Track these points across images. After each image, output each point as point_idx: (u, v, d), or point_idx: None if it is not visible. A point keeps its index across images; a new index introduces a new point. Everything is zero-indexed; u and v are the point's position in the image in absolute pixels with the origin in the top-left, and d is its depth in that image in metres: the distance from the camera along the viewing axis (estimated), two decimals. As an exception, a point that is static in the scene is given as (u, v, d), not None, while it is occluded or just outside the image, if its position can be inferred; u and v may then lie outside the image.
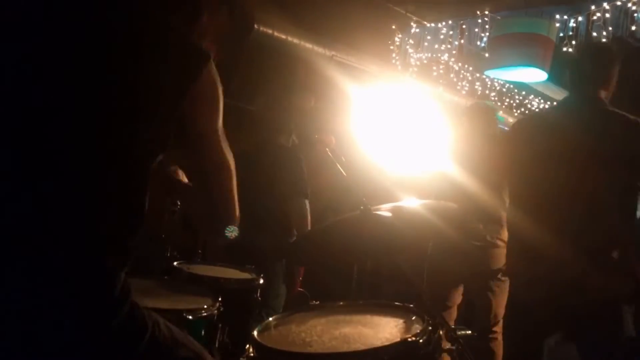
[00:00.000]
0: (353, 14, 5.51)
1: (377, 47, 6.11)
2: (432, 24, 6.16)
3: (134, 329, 1.16)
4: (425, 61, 6.46)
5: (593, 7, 5.02)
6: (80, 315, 1.09)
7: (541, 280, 2.18)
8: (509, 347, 2.72)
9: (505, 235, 3.53)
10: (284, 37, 5.23)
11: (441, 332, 1.44)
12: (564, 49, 5.22)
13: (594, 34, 4.98)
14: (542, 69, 5.17)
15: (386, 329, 1.45)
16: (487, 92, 7.87)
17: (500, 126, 4.33)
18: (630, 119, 2.24)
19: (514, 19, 5.39)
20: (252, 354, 1.41)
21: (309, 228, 3.12)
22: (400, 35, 6.31)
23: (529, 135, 2.43)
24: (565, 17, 5.19)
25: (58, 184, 1.10)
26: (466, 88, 7.46)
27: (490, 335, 3.55)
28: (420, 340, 1.33)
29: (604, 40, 4.90)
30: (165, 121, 1.18)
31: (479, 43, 5.75)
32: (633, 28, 4.82)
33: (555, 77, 6.16)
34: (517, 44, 5.12)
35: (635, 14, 4.82)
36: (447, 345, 1.56)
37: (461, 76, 7.34)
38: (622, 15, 4.84)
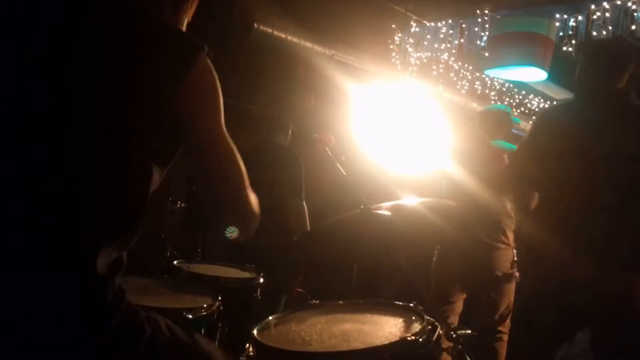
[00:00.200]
0: (353, 13, 5.51)
1: (376, 46, 6.11)
2: (432, 23, 6.16)
3: (132, 333, 1.15)
4: (425, 60, 6.46)
5: (593, 7, 5.02)
6: (78, 317, 1.09)
7: (563, 277, 2.14)
8: (516, 342, 2.69)
9: (507, 237, 3.54)
10: (283, 36, 5.23)
11: (441, 331, 1.44)
12: (564, 48, 5.22)
13: (594, 33, 4.98)
14: (542, 68, 5.17)
15: (386, 328, 1.45)
16: (486, 91, 7.87)
17: (515, 131, 4.34)
18: None
19: (514, 18, 5.39)
20: (252, 353, 1.41)
21: (308, 228, 3.12)
22: (400, 35, 6.31)
23: (553, 128, 2.37)
24: (565, 16, 5.19)
25: (57, 184, 1.10)
26: (466, 87, 7.46)
27: (496, 335, 3.57)
28: (420, 339, 1.33)
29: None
30: (165, 119, 1.18)
31: (478, 42, 5.75)
32: (633, 27, 4.81)
33: (555, 77, 6.16)
34: (517, 43, 5.13)
35: (635, 13, 4.82)
36: (446, 344, 1.56)
37: (461, 75, 7.34)
38: (622, 14, 4.84)
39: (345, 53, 5.86)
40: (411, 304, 1.57)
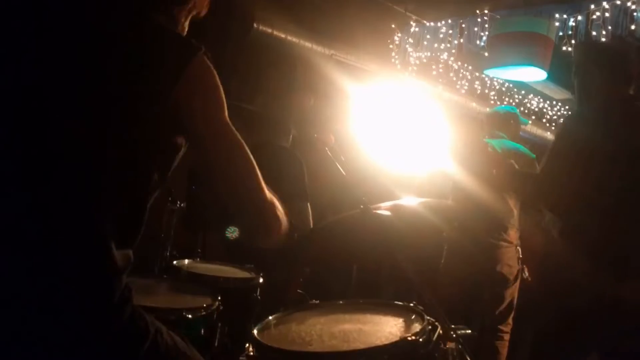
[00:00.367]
0: (352, 13, 5.51)
1: (376, 46, 6.11)
2: (432, 23, 6.15)
3: (135, 334, 1.15)
4: (424, 60, 6.46)
5: (592, 6, 5.02)
6: (82, 318, 1.09)
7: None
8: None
9: (510, 235, 3.55)
10: (283, 36, 5.23)
11: (441, 331, 1.44)
12: (564, 48, 5.22)
13: (594, 33, 4.98)
14: (542, 68, 5.18)
15: (386, 328, 1.45)
16: (486, 91, 7.88)
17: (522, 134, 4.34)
18: None
19: (514, 18, 5.39)
20: (251, 353, 1.41)
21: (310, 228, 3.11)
22: (399, 34, 6.31)
23: (578, 134, 2.27)
24: (565, 16, 5.19)
25: (59, 186, 1.10)
26: (465, 87, 7.46)
27: (498, 334, 3.58)
28: (420, 340, 1.33)
29: (603, 39, 4.90)
30: (166, 118, 1.18)
31: (478, 42, 5.74)
32: (632, 27, 4.81)
33: (554, 76, 6.16)
34: (516, 43, 5.13)
35: (635, 13, 4.82)
36: (446, 344, 1.56)
37: (460, 75, 7.34)
38: (622, 14, 4.84)
39: (344, 53, 5.86)
40: (411, 304, 1.57)
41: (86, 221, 1.11)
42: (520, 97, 8.50)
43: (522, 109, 8.60)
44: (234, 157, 1.25)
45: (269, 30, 5.10)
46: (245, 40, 4.97)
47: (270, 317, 1.60)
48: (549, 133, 8.71)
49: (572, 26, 5.15)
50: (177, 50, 1.20)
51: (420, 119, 2.99)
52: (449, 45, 6.05)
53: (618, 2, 4.86)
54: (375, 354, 1.31)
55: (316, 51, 5.59)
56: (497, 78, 7.47)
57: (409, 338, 1.32)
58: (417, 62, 6.43)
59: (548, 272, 2.27)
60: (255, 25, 4.92)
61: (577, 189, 2.16)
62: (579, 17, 5.12)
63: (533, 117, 8.80)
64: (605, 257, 2.09)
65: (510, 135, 3.84)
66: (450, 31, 6.01)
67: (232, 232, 2.65)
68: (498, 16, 5.57)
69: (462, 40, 5.92)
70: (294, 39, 5.35)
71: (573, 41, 5.14)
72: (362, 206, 1.78)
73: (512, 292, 3.60)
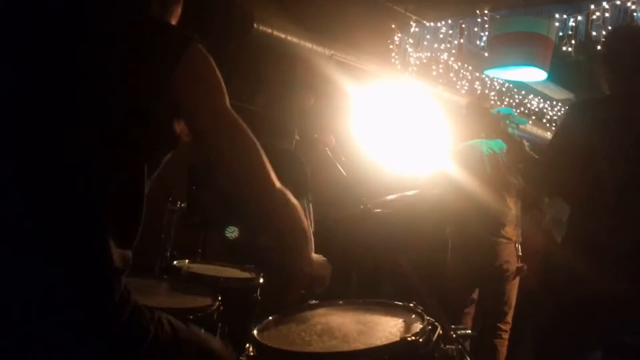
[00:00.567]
0: (352, 13, 5.51)
1: (376, 46, 6.11)
2: (432, 23, 6.15)
3: (136, 334, 1.15)
4: (424, 60, 6.46)
5: (592, 7, 5.02)
6: (82, 319, 1.09)
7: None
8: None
9: (508, 232, 3.58)
10: (283, 36, 5.23)
11: (441, 332, 1.44)
12: (564, 48, 5.22)
13: (594, 33, 4.98)
14: (542, 68, 5.18)
15: (386, 328, 1.45)
16: (486, 91, 7.88)
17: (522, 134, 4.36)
18: None
19: (514, 18, 5.39)
20: (252, 353, 1.41)
21: (312, 229, 3.12)
22: (399, 35, 6.31)
23: (589, 126, 2.22)
24: (565, 16, 5.19)
25: (59, 186, 1.10)
26: (466, 87, 7.46)
27: (497, 332, 3.61)
28: (420, 340, 1.33)
29: (603, 39, 4.90)
30: (162, 111, 1.18)
31: (478, 42, 5.75)
32: (632, 27, 4.81)
33: (554, 77, 6.16)
34: (516, 43, 5.13)
35: (635, 13, 4.82)
36: (446, 344, 1.56)
37: (461, 75, 7.34)
38: (622, 14, 4.84)
39: (345, 53, 5.86)
40: (411, 304, 1.57)
41: (86, 221, 1.11)
42: (520, 97, 8.50)
43: (522, 109, 8.60)
44: (237, 143, 1.24)
45: (269, 31, 5.10)
46: (246, 41, 4.97)
47: (270, 318, 1.60)
48: (549, 133, 8.71)
49: (572, 26, 5.15)
50: (172, 42, 1.20)
51: (420, 119, 3.00)
52: (449, 45, 6.06)
53: (618, 2, 4.86)
54: (375, 354, 1.31)
55: (316, 51, 5.59)
56: (497, 78, 7.47)
57: (409, 338, 1.32)
58: (417, 62, 6.44)
59: (548, 271, 2.27)
60: (255, 25, 4.92)
61: (576, 186, 2.16)
62: (579, 17, 5.12)
63: (533, 117, 8.80)
64: (605, 256, 2.09)
65: (501, 136, 3.83)
66: (451, 31, 6.01)
67: (232, 232, 2.66)
68: (498, 16, 5.57)
69: (462, 41, 5.92)
70: (294, 39, 5.35)
71: (573, 41, 5.15)
72: (362, 206, 1.78)
73: (511, 289, 3.63)
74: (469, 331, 2.35)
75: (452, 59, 6.76)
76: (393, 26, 6.26)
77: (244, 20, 4.89)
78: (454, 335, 1.57)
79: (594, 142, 2.14)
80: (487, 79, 7.64)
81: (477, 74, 7.48)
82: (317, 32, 5.57)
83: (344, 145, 3.28)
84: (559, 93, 8.60)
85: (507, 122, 3.83)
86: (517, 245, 3.61)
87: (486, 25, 5.64)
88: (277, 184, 1.29)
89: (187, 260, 2.53)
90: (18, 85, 1.13)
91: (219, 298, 1.92)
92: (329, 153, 2.58)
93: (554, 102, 9.00)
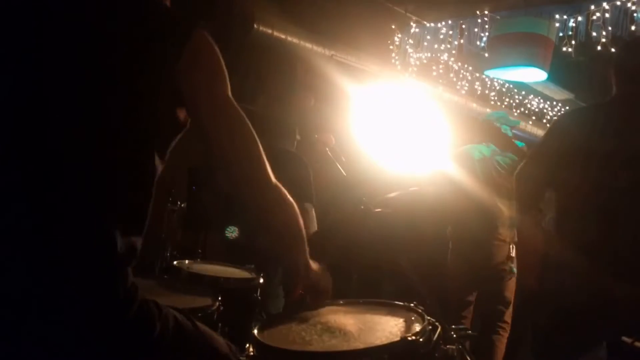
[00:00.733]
0: (353, 14, 5.51)
1: (376, 47, 6.11)
2: (432, 24, 6.16)
3: (140, 334, 1.14)
4: (424, 61, 6.46)
5: (592, 7, 5.03)
6: (82, 319, 1.08)
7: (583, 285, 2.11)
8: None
9: (502, 234, 3.65)
10: (283, 36, 5.23)
11: (441, 331, 1.44)
12: (564, 48, 5.22)
13: (594, 33, 4.99)
14: (542, 68, 5.18)
15: (386, 328, 1.45)
16: (486, 92, 7.88)
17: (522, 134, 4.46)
18: None
19: (514, 18, 5.40)
20: (252, 353, 1.41)
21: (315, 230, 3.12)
22: (399, 35, 6.31)
23: (577, 133, 2.23)
24: (565, 16, 5.19)
25: (60, 186, 1.10)
26: (466, 88, 7.46)
27: (496, 329, 3.70)
28: (421, 339, 1.33)
29: (603, 39, 4.90)
30: (166, 98, 1.17)
31: (478, 43, 5.75)
32: (632, 28, 4.82)
33: (554, 77, 6.16)
34: (516, 44, 5.14)
35: (635, 14, 4.82)
36: (447, 344, 1.56)
37: (461, 76, 7.35)
38: (622, 15, 4.84)
39: (345, 53, 5.87)
40: (412, 304, 1.57)
41: (86, 221, 1.11)
42: (520, 97, 8.51)
43: (522, 109, 8.61)
44: (235, 133, 1.25)
45: (270, 31, 5.10)
46: (246, 41, 4.97)
47: (270, 318, 1.60)
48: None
49: (572, 27, 5.16)
50: (175, 34, 1.19)
51: (420, 120, 3.00)
52: (449, 46, 6.06)
53: (618, 3, 4.86)
54: (375, 354, 1.31)
55: (316, 52, 5.59)
56: (498, 79, 7.48)
57: (410, 338, 1.32)
58: (418, 62, 6.44)
59: (548, 271, 2.28)
60: (255, 26, 4.93)
61: (576, 188, 2.17)
62: (579, 18, 5.13)
63: (533, 118, 8.81)
64: (604, 257, 2.09)
65: (494, 140, 3.95)
66: (451, 32, 6.02)
67: (232, 232, 2.66)
68: (498, 17, 5.58)
69: (462, 41, 5.92)
70: (295, 40, 5.36)
71: (573, 42, 5.15)
72: (362, 206, 1.78)
73: (507, 288, 3.72)
74: (469, 331, 2.35)
75: (452, 59, 6.76)
76: (393, 27, 6.27)
77: (245, 21, 4.90)
78: (454, 335, 1.57)
79: (593, 143, 2.15)
80: (487, 79, 7.64)
81: (477, 75, 7.48)
82: (317, 32, 5.58)
83: (344, 145, 3.28)
84: (559, 93, 8.61)
85: (499, 124, 3.93)
86: (511, 245, 3.70)
87: (486, 26, 5.64)
88: (273, 179, 1.30)
89: (187, 261, 2.53)
90: (18, 85, 1.13)
91: (219, 298, 1.93)
92: (329, 153, 2.58)
93: (554, 103, 9.00)
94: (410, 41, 6.24)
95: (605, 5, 4.93)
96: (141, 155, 1.17)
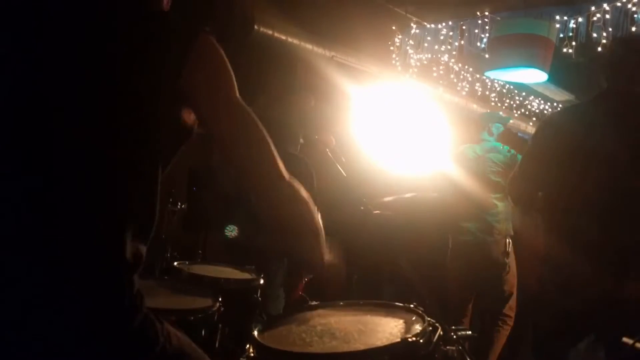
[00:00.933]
0: (353, 15, 5.51)
1: (377, 48, 6.11)
2: (432, 25, 6.16)
3: (147, 339, 1.13)
4: (425, 62, 6.47)
5: (593, 8, 5.03)
6: (82, 319, 1.08)
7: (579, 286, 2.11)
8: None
9: (497, 229, 3.70)
10: (284, 37, 5.24)
11: (441, 332, 1.44)
12: (564, 49, 5.22)
13: (594, 35, 4.99)
14: (542, 69, 5.18)
15: (386, 329, 1.45)
16: (487, 92, 7.88)
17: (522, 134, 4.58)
18: None
19: (514, 19, 5.40)
20: (252, 354, 1.40)
21: None
22: (400, 36, 6.32)
23: (566, 131, 2.26)
24: (565, 18, 5.19)
25: (57, 186, 1.10)
26: (466, 89, 7.46)
27: (498, 322, 3.76)
28: (421, 340, 1.33)
29: (603, 40, 4.90)
30: (172, 103, 1.17)
31: (479, 44, 5.75)
32: (633, 29, 4.82)
33: (555, 78, 6.16)
34: (517, 45, 5.13)
35: (635, 15, 4.82)
36: (447, 345, 1.56)
37: (461, 77, 7.35)
38: (622, 16, 4.85)
39: (345, 54, 5.87)
40: (412, 305, 1.57)
41: (86, 221, 1.10)
42: (520, 98, 8.51)
43: (522, 110, 8.61)
44: (247, 134, 1.25)
45: (270, 32, 5.10)
46: (246, 42, 4.97)
47: (270, 318, 1.60)
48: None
49: (572, 28, 5.16)
50: (178, 38, 1.19)
51: (420, 121, 3.00)
52: (449, 47, 6.06)
53: (618, 4, 4.86)
54: (375, 355, 1.31)
55: (317, 53, 5.59)
56: (498, 80, 7.47)
57: (410, 339, 1.32)
58: (418, 63, 6.44)
59: (548, 272, 2.28)
60: (256, 27, 4.93)
61: (576, 187, 2.17)
62: (580, 19, 5.13)
63: (534, 119, 8.80)
64: (605, 256, 2.09)
65: (500, 139, 4.07)
66: (451, 33, 6.02)
67: (232, 231, 2.65)
68: (498, 18, 5.58)
69: (462, 42, 5.93)
70: (295, 41, 5.36)
71: (573, 43, 5.15)
72: (362, 207, 1.78)
73: (505, 282, 3.78)
74: (470, 332, 2.35)
75: (452, 60, 6.76)
76: (394, 28, 6.27)
77: (245, 22, 4.90)
78: (454, 336, 1.56)
79: (588, 142, 2.15)
80: (487, 80, 7.64)
81: (478, 76, 7.49)
82: (317, 33, 5.58)
83: (344, 146, 3.28)
84: (560, 94, 8.61)
85: (491, 123, 4.02)
86: (507, 239, 3.75)
87: (487, 27, 5.64)
88: (287, 175, 1.30)
89: (187, 261, 2.53)
90: (18, 85, 1.13)
91: (220, 299, 1.92)
92: (329, 154, 2.58)
93: (555, 104, 9.00)
94: (411, 42, 6.24)
95: (605, 6, 4.93)
96: (142, 156, 1.17)
